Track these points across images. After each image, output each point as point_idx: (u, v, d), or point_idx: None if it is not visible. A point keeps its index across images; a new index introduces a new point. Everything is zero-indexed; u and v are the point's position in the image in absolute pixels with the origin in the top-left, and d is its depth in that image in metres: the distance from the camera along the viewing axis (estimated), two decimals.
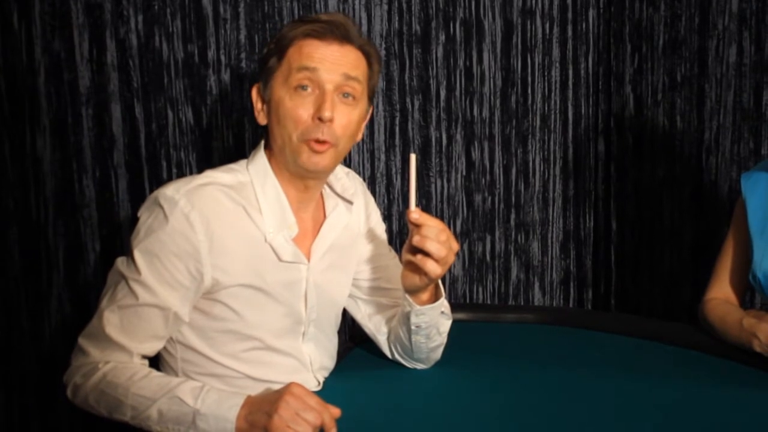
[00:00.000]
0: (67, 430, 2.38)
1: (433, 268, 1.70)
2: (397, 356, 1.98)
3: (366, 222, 2.02)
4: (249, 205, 1.75)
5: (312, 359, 1.87)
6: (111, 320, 1.66)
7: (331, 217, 1.89)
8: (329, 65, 1.71)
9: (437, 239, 1.69)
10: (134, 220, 1.72)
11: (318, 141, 1.71)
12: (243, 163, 1.83)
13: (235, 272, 1.71)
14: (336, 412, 1.55)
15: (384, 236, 2.09)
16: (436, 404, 1.69)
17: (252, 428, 1.53)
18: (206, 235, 1.66)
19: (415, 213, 1.69)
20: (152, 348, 1.71)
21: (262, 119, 1.79)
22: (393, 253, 2.10)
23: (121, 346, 1.66)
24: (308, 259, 1.83)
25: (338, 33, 1.73)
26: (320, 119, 1.69)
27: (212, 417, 1.55)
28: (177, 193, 1.67)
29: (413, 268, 1.74)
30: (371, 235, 2.03)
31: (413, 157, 1.72)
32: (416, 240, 1.68)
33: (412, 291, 1.81)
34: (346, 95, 1.74)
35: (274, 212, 1.77)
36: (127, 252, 1.71)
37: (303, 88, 1.71)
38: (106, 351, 1.66)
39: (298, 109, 1.71)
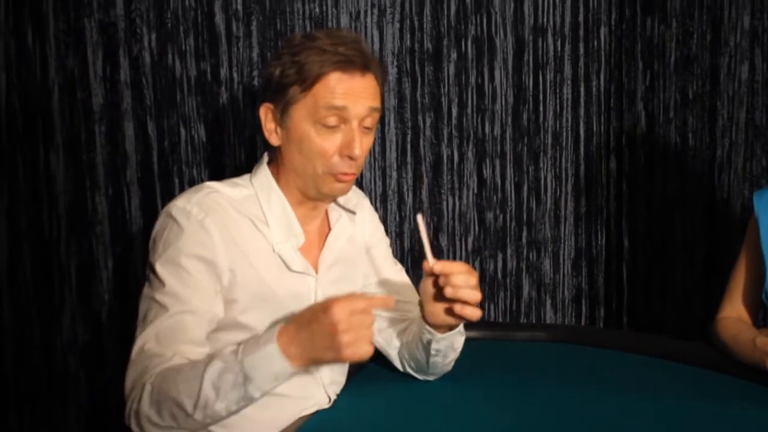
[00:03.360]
0: None
1: (474, 314, 1.73)
2: (409, 370, 1.99)
3: (370, 234, 2.03)
4: (255, 217, 1.75)
5: (322, 374, 1.87)
6: (147, 339, 1.61)
7: (335, 228, 1.91)
8: (355, 100, 1.72)
9: (468, 285, 1.71)
10: (147, 239, 1.71)
11: (344, 173, 1.75)
12: (246, 177, 1.83)
13: (249, 281, 1.71)
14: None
15: (389, 250, 2.10)
16: (449, 423, 1.68)
17: (313, 352, 1.50)
18: (222, 239, 1.66)
19: (437, 265, 1.70)
20: (194, 352, 1.63)
21: (275, 140, 1.76)
22: (399, 265, 2.11)
23: (165, 358, 1.58)
24: (316, 271, 1.83)
25: (360, 62, 1.73)
26: (349, 157, 1.72)
27: (257, 358, 1.50)
28: (188, 203, 1.68)
29: (446, 310, 1.75)
30: (377, 249, 2.04)
31: (420, 218, 1.72)
32: (449, 292, 1.69)
33: (440, 326, 1.82)
34: (367, 127, 1.76)
35: (280, 223, 1.78)
36: (148, 272, 1.68)
37: (330, 125, 1.72)
38: (149, 369, 1.58)
39: (326, 144, 1.72)
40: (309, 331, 1.50)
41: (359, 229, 1.98)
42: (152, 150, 2.40)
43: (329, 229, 1.91)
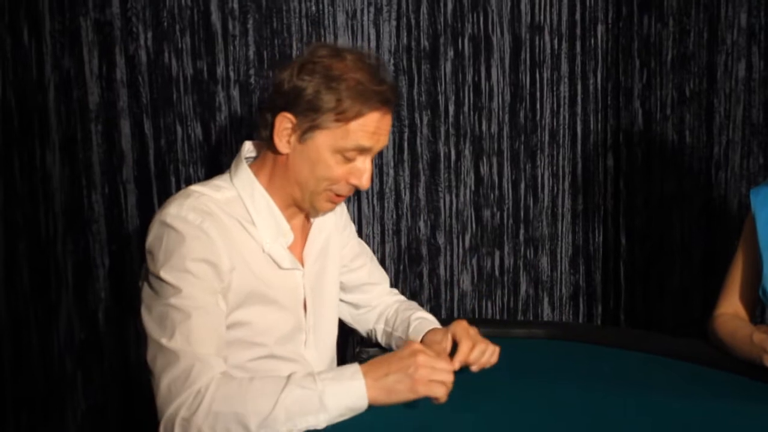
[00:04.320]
0: None
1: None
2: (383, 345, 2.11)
3: (341, 222, 2.07)
4: (242, 218, 1.76)
5: (316, 366, 1.88)
6: (177, 342, 1.60)
7: (316, 222, 1.93)
8: (379, 138, 1.76)
9: (487, 360, 1.87)
10: (144, 237, 1.70)
11: (341, 196, 1.80)
12: (226, 178, 1.83)
13: (246, 278, 1.72)
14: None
15: (356, 235, 2.15)
16: (446, 418, 1.68)
17: (389, 394, 1.57)
18: (222, 241, 1.67)
19: (456, 364, 1.79)
20: (224, 355, 1.66)
21: (284, 149, 1.75)
22: (367, 249, 2.17)
23: (203, 360, 1.59)
24: (302, 265, 1.85)
25: (393, 100, 1.77)
26: (356, 187, 1.78)
27: (340, 390, 1.55)
28: (182, 209, 1.67)
29: None
30: (348, 236, 2.09)
31: None
32: (475, 369, 1.85)
33: None
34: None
35: (267, 223, 1.78)
36: (152, 282, 1.66)
37: (350, 159, 1.74)
38: (193, 372, 1.58)
39: (339, 172, 1.75)
40: (389, 367, 1.59)
41: (330, 218, 1.99)
42: (149, 149, 2.40)
43: (309, 222, 1.92)
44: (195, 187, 1.76)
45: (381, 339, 2.14)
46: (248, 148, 1.86)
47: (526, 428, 1.69)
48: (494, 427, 1.70)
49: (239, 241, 1.73)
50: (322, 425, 1.55)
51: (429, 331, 1.97)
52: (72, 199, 2.31)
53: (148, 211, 2.38)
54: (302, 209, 1.84)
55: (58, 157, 2.28)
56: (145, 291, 1.68)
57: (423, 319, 2.05)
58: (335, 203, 1.83)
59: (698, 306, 3.21)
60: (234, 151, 2.52)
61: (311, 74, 1.71)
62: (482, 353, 1.84)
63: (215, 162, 2.49)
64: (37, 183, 2.26)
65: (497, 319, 3.21)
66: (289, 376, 1.58)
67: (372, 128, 1.73)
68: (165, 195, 2.40)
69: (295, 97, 1.71)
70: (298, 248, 1.87)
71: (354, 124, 1.71)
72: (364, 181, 1.77)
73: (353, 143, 1.72)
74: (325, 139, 1.72)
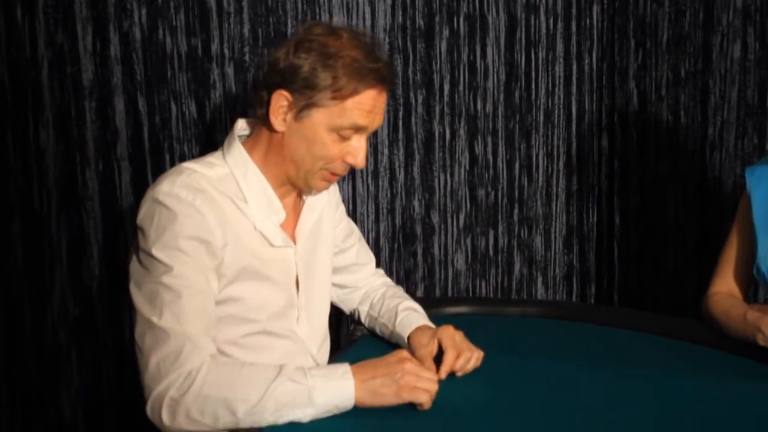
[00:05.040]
0: (70, 420, 2.38)
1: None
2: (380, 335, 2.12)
3: (333, 200, 2.06)
4: (234, 196, 1.75)
5: (309, 343, 1.89)
6: (167, 320, 1.60)
7: (309, 200, 1.92)
8: (375, 117, 1.76)
9: (472, 364, 1.86)
10: (134, 225, 1.70)
11: (336, 175, 1.80)
12: (218, 155, 1.82)
13: (239, 255, 1.72)
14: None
15: (346, 215, 2.14)
16: (439, 397, 1.69)
17: (374, 396, 1.60)
18: (215, 218, 1.66)
19: (443, 373, 1.81)
20: (213, 335, 1.66)
21: (280, 127, 1.74)
22: (356, 229, 2.17)
23: (193, 340, 1.59)
24: (294, 242, 1.85)
25: (389, 78, 1.77)
26: (351, 166, 1.78)
27: (329, 388, 1.57)
28: (174, 186, 1.67)
29: None
30: (339, 216, 2.09)
31: None
32: (460, 374, 1.84)
33: None
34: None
35: (259, 200, 1.78)
36: (142, 259, 1.66)
37: (346, 137, 1.75)
38: (183, 352, 1.58)
39: (335, 150, 1.75)
40: (375, 371, 1.62)
41: (323, 197, 1.99)
42: (143, 126, 2.39)
43: (301, 199, 1.92)
44: (187, 164, 1.76)
45: (364, 320, 2.15)
46: (241, 125, 1.86)
47: (520, 406, 1.70)
48: (488, 406, 1.70)
49: (231, 218, 1.72)
50: (307, 419, 1.56)
51: (416, 331, 1.96)
52: (66, 176, 2.30)
53: (142, 189, 2.35)
54: (296, 187, 1.84)
55: (52, 133, 2.27)
56: (135, 267, 1.67)
57: (410, 311, 2.04)
58: (330, 182, 1.82)
59: (692, 286, 3.22)
60: (228, 129, 2.51)
61: (307, 52, 1.71)
62: (467, 361, 1.84)
63: (210, 140, 2.48)
64: (31, 160, 2.25)
65: (491, 298, 3.22)
66: (281, 368, 1.58)
67: (368, 106, 1.72)
68: (159, 172, 2.39)
69: (291, 75, 1.70)
70: (290, 226, 1.87)
71: (350, 102, 1.70)
72: (360, 160, 1.77)
73: (349, 121, 1.71)
74: (321, 117, 1.71)
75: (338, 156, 1.76)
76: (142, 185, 2.38)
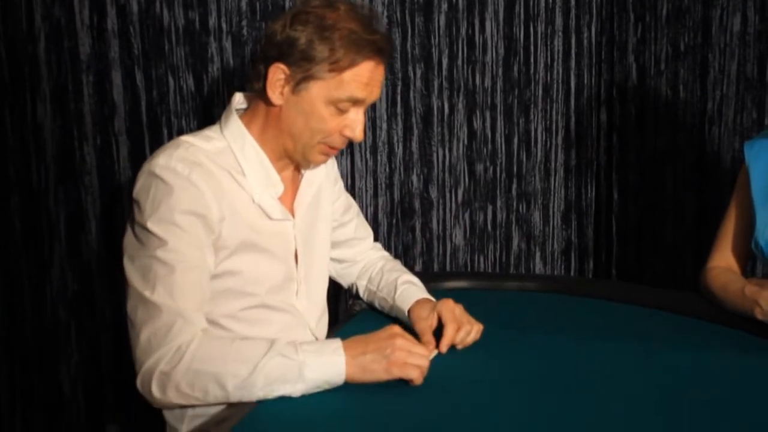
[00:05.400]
0: (69, 395, 2.39)
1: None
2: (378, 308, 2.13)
3: (332, 174, 2.07)
4: (232, 169, 1.75)
5: (308, 316, 1.89)
6: (159, 295, 1.60)
7: (307, 173, 1.92)
8: (373, 90, 1.75)
9: (472, 337, 1.87)
10: (130, 201, 1.69)
11: (335, 148, 1.80)
12: (216, 128, 1.82)
13: (237, 229, 1.72)
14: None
15: (344, 189, 2.15)
16: (438, 371, 1.69)
17: (364, 372, 1.59)
18: (211, 192, 1.66)
19: (444, 347, 1.82)
20: (206, 311, 1.67)
21: (277, 100, 1.74)
22: (354, 203, 2.17)
23: (184, 316, 1.60)
24: (293, 215, 1.85)
25: (388, 51, 1.77)
26: (349, 138, 1.78)
27: (320, 363, 1.57)
28: (170, 160, 1.66)
29: None
30: (338, 190, 2.09)
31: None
32: (460, 347, 1.85)
33: None
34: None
35: (257, 173, 1.78)
36: (137, 232, 1.65)
37: (343, 110, 1.74)
38: (174, 327, 1.59)
39: (333, 123, 1.75)
40: (366, 346, 1.62)
41: (321, 170, 1.99)
42: (140, 100, 2.38)
43: (300, 173, 1.91)
44: (185, 138, 1.75)
45: (363, 294, 2.16)
46: (238, 99, 1.85)
47: (518, 380, 1.70)
48: (486, 380, 1.71)
49: (229, 192, 1.72)
50: (297, 394, 1.57)
51: (416, 304, 1.97)
52: (64, 150, 2.30)
53: (140, 163, 2.33)
54: (294, 161, 1.83)
55: (49, 108, 2.27)
56: (130, 240, 1.67)
57: (410, 284, 2.05)
58: (328, 156, 1.83)
59: (690, 261, 3.22)
60: (226, 103, 2.51)
61: (304, 24, 1.70)
62: (467, 334, 1.85)
63: (207, 114, 2.48)
64: (29, 135, 2.25)
65: (489, 273, 3.22)
66: (272, 342, 1.59)
67: (365, 78, 1.72)
68: (157, 146, 2.36)
69: (288, 48, 1.70)
70: (288, 199, 1.86)
71: (348, 74, 1.70)
72: (358, 133, 1.77)
73: (347, 94, 1.71)
74: (318, 90, 1.71)
75: (336, 129, 1.75)
76: (140, 159, 2.37)
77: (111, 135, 2.35)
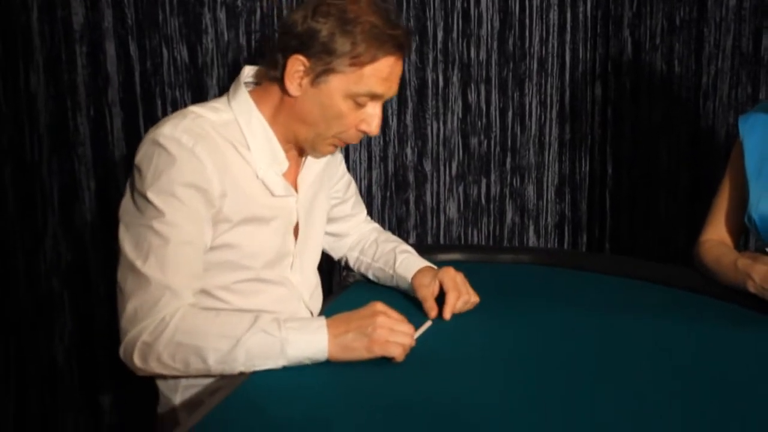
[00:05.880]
0: (63, 365, 2.39)
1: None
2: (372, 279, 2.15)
3: (338, 155, 2.08)
4: (237, 142, 1.74)
5: (301, 289, 1.90)
6: (151, 267, 1.60)
7: None
8: (391, 86, 1.75)
9: (471, 304, 1.91)
10: (130, 161, 1.69)
11: (345, 142, 1.81)
12: (223, 100, 1.81)
13: (238, 203, 1.71)
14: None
15: (345, 166, 2.15)
16: (432, 342, 1.70)
17: (345, 351, 1.59)
18: (214, 166, 1.65)
19: (447, 315, 1.87)
20: (196, 287, 1.68)
21: (295, 91, 1.73)
22: (352, 179, 2.17)
23: (173, 290, 1.60)
24: (296, 191, 1.85)
25: (409, 45, 1.77)
26: (365, 133, 1.78)
27: (302, 342, 1.57)
28: (176, 130, 1.65)
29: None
30: (343, 167, 2.11)
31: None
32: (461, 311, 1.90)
33: None
34: None
35: (263, 149, 1.77)
36: (136, 200, 1.65)
37: (362, 105, 1.74)
38: (161, 301, 1.60)
39: (350, 118, 1.74)
40: (348, 325, 1.61)
41: None
42: (134, 71, 2.37)
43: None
44: (193, 108, 1.75)
45: (354, 265, 2.17)
46: (247, 72, 1.84)
47: (511, 351, 1.71)
48: (479, 351, 1.71)
49: (233, 166, 1.71)
50: (279, 367, 1.58)
51: (418, 272, 1.99)
52: (57, 121, 2.28)
53: (134, 134, 2.36)
54: (301, 148, 1.84)
55: (43, 78, 2.25)
56: (127, 206, 1.67)
57: (409, 254, 2.07)
58: (337, 147, 1.84)
59: (684, 235, 3.23)
60: (220, 75, 2.50)
61: (326, 16, 1.68)
62: (466, 303, 1.88)
63: (201, 85, 2.47)
64: (22, 105, 2.23)
65: (484, 245, 3.22)
66: (256, 318, 1.59)
67: (385, 74, 1.71)
68: (151, 118, 2.38)
69: (309, 40, 1.68)
70: (291, 175, 1.86)
71: (368, 69, 1.69)
72: (374, 128, 1.76)
73: (366, 89, 1.70)
74: (338, 84, 1.70)
75: (353, 123, 1.75)
76: (133, 130, 2.37)
77: (105, 106, 2.34)
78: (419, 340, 1.69)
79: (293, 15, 1.72)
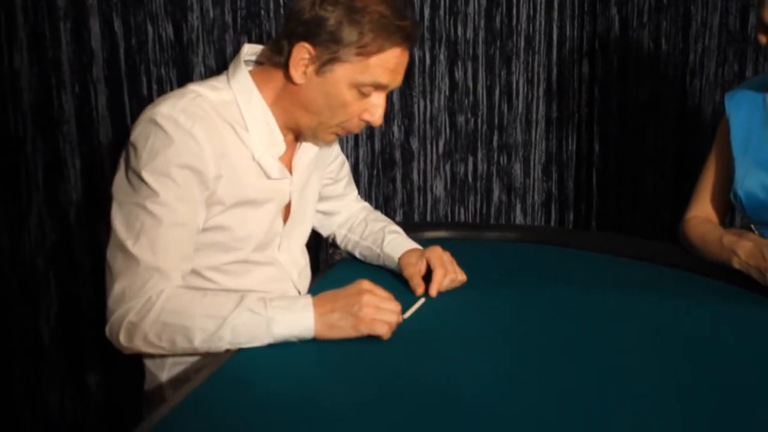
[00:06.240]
0: (49, 345, 2.39)
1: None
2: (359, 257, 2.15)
3: None
4: (235, 123, 1.72)
5: (290, 268, 1.89)
6: (141, 248, 1.59)
7: None
8: (396, 76, 1.73)
9: (458, 282, 1.91)
10: (115, 139, 1.68)
11: (347, 131, 1.80)
12: (223, 79, 1.79)
13: (233, 186, 1.70)
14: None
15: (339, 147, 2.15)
16: (419, 320, 1.70)
17: (331, 329, 1.59)
18: (211, 148, 1.64)
19: (433, 291, 1.86)
20: (185, 269, 1.67)
21: (299, 79, 1.70)
22: (346, 161, 2.16)
23: (161, 271, 1.60)
24: (291, 173, 1.83)
25: (416, 36, 1.74)
26: (367, 122, 1.76)
27: (288, 320, 1.57)
28: (174, 110, 1.64)
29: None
30: (338, 150, 2.09)
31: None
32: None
33: None
34: None
35: (261, 131, 1.75)
36: (130, 178, 1.63)
37: (366, 94, 1.72)
38: (149, 282, 1.59)
39: (354, 107, 1.73)
40: (334, 303, 1.61)
41: None
42: (119, 48, 2.36)
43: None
44: (192, 86, 1.73)
45: (340, 243, 2.17)
46: (247, 50, 1.82)
47: (497, 329, 1.71)
48: (466, 328, 1.72)
49: (229, 147, 1.70)
50: (264, 345, 1.58)
51: (406, 252, 1.99)
52: (41, 98, 2.27)
53: (119, 112, 2.35)
54: (301, 134, 1.82)
55: (26, 55, 2.24)
56: (121, 183, 1.65)
57: (397, 234, 2.07)
58: (338, 136, 1.83)
59: (670, 214, 3.23)
60: (206, 53, 2.49)
61: (334, 5, 1.66)
62: (452, 281, 1.89)
63: (187, 63, 2.45)
64: (6, 82, 2.22)
65: (470, 223, 3.23)
66: (242, 297, 1.59)
67: (392, 65, 1.69)
68: (136, 95, 2.37)
69: (316, 28, 1.66)
70: (287, 157, 1.84)
71: (374, 60, 1.67)
72: (377, 118, 1.75)
73: (371, 79, 1.68)
74: (344, 73, 1.68)
75: (356, 113, 1.74)
76: (118, 108, 2.36)
77: (89, 83, 2.33)
78: (406, 317, 1.69)
79: (301, 1, 1.69)
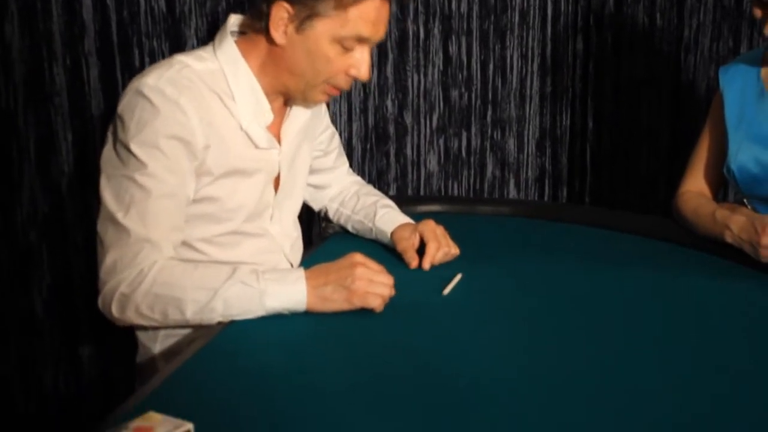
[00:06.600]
0: (42, 318, 2.39)
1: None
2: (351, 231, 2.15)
3: (322, 107, 2.06)
4: (222, 92, 1.72)
5: (281, 240, 1.90)
6: (131, 220, 1.60)
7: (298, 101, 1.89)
8: (378, 29, 1.71)
9: (450, 256, 1.92)
10: (107, 111, 1.67)
11: (337, 88, 1.78)
12: (209, 49, 1.78)
13: (221, 156, 1.70)
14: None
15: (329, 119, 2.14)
16: (412, 292, 1.70)
17: (324, 302, 1.59)
18: (198, 118, 1.64)
19: (426, 264, 1.88)
20: (176, 240, 1.67)
21: (280, 39, 1.70)
22: (337, 133, 2.16)
23: (153, 243, 1.60)
24: (279, 143, 1.83)
25: None
26: (355, 78, 1.74)
27: (281, 293, 1.57)
28: (160, 81, 1.63)
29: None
30: (327, 120, 2.10)
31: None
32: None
33: None
34: None
35: (248, 100, 1.75)
36: (118, 150, 1.63)
37: (349, 48, 1.71)
38: (140, 254, 1.59)
39: (338, 63, 1.71)
40: (327, 276, 1.61)
41: None
42: (111, 20, 2.34)
43: (287, 105, 1.89)
44: (179, 57, 1.73)
45: (332, 217, 2.17)
46: (233, 21, 1.81)
47: (490, 302, 1.71)
48: (460, 301, 1.72)
49: (217, 117, 1.70)
50: (257, 317, 1.58)
51: (399, 227, 1.99)
52: (33, 71, 2.25)
53: (111, 84, 2.33)
54: (292, 99, 1.82)
55: (17, 28, 2.22)
56: (109, 156, 1.65)
57: (390, 209, 2.07)
58: (330, 95, 1.80)
59: (663, 189, 3.24)
60: (198, 25, 2.47)
61: None
62: (446, 255, 1.89)
63: (179, 35, 2.44)
64: None
65: (464, 197, 3.22)
66: (234, 269, 1.59)
67: (372, 16, 1.68)
68: (128, 68, 2.35)
69: None
70: (275, 127, 1.84)
71: (353, 12, 1.66)
72: (364, 72, 1.73)
73: (353, 32, 1.67)
74: (323, 28, 1.67)
75: (341, 69, 1.72)
76: (110, 81, 2.34)
77: (81, 55, 2.31)
78: (446, 293, 1.71)
79: None
